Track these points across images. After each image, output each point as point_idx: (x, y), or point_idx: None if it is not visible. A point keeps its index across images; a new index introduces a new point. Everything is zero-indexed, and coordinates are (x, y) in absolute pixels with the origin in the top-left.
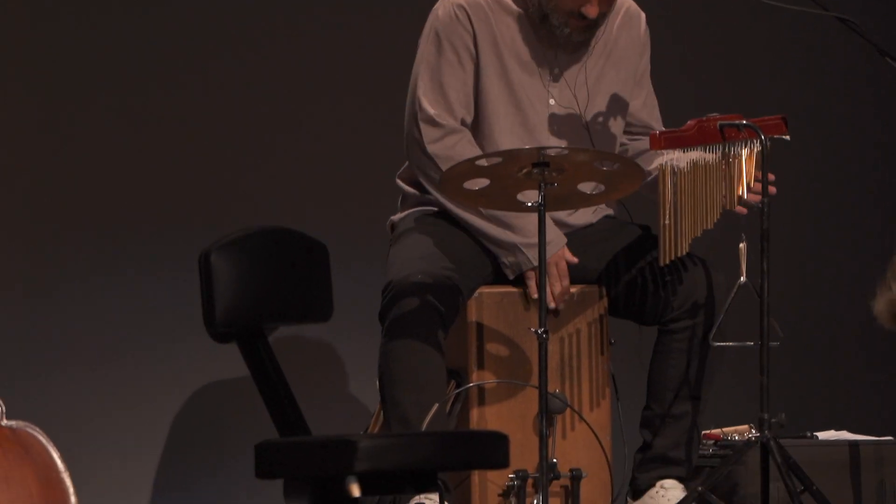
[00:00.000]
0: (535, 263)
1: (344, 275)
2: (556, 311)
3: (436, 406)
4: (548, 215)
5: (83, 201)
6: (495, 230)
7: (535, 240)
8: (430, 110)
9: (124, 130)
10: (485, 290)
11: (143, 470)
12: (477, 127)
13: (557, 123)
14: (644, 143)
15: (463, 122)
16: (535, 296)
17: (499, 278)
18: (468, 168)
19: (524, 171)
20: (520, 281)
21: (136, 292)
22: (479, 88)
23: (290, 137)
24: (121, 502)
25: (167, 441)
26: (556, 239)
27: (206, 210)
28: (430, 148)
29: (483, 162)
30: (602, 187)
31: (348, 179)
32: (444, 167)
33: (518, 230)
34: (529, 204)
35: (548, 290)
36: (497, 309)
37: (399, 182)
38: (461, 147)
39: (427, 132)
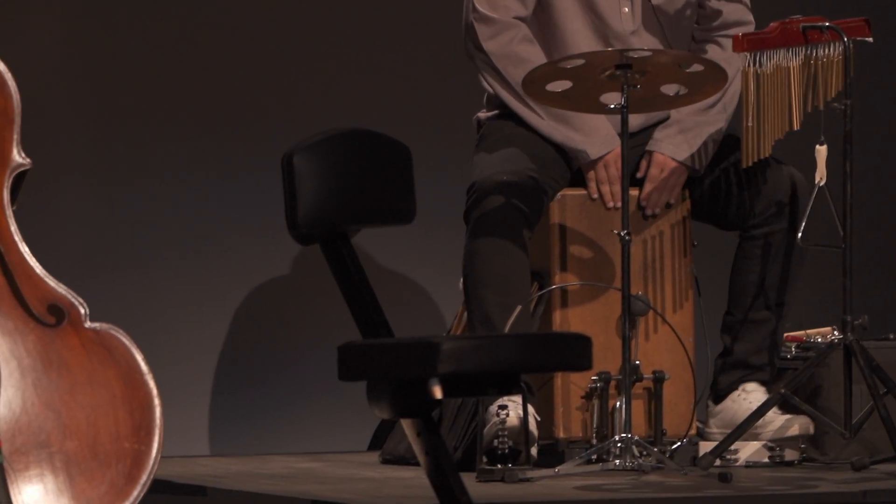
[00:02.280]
0: (587, 160)
1: (427, 176)
2: (646, 215)
3: (519, 308)
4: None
5: (163, 99)
6: (548, 126)
7: (584, 137)
8: (483, 7)
9: (208, 29)
10: (568, 192)
11: (222, 369)
12: (546, 24)
13: (631, 21)
14: (716, 51)
15: (518, 17)
16: (594, 195)
17: (580, 180)
18: (550, 70)
19: (606, 73)
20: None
21: (217, 193)
22: None
23: (373, 36)
24: (200, 405)
25: (245, 338)
26: (606, 139)
27: (288, 112)
28: (486, 45)
29: (565, 64)
30: (685, 90)
31: (432, 78)
32: (500, 64)
33: (573, 126)
34: (612, 106)
35: (606, 189)
36: (580, 211)
37: (483, 82)
38: (517, 44)
39: (481, 30)
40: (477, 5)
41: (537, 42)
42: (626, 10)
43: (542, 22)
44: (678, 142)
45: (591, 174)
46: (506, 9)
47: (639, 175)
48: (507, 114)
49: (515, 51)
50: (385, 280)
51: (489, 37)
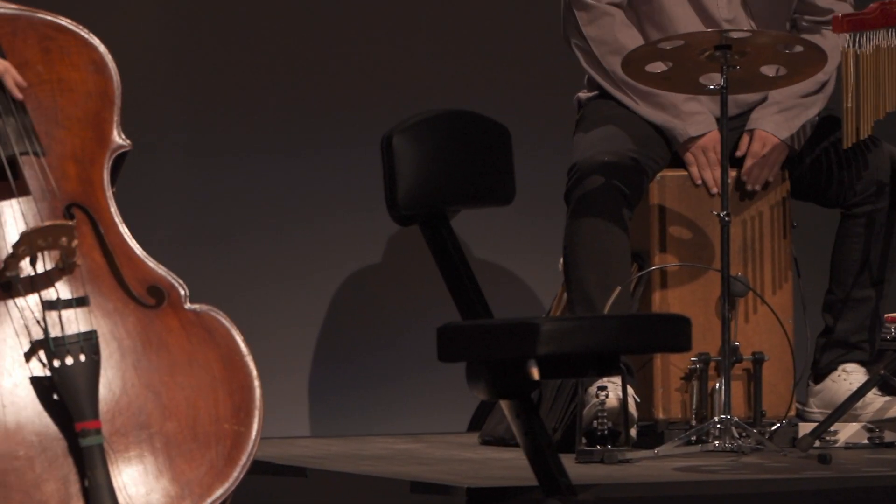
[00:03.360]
0: (685, 138)
1: (526, 156)
2: (747, 194)
3: (618, 289)
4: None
5: (261, 78)
6: (644, 109)
7: (682, 118)
8: None
9: (304, 7)
10: (667, 172)
11: (321, 349)
12: (646, 12)
13: (727, 9)
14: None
15: (614, 4)
16: (698, 181)
17: (680, 161)
18: (650, 51)
19: (706, 53)
20: None
21: (317, 173)
22: None
23: (472, 16)
24: (299, 386)
25: (354, 319)
26: (704, 120)
27: (388, 92)
28: (586, 30)
29: (665, 45)
30: (784, 70)
31: (532, 58)
32: (598, 50)
33: (666, 108)
34: (712, 87)
35: (708, 174)
36: (679, 192)
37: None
38: (616, 29)
39: (580, 16)
40: None
41: (637, 30)
42: None
43: (643, 10)
44: (778, 120)
45: (691, 158)
46: None
47: (738, 154)
48: (607, 94)
49: (615, 36)
50: (484, 261)
51: (588, 22)
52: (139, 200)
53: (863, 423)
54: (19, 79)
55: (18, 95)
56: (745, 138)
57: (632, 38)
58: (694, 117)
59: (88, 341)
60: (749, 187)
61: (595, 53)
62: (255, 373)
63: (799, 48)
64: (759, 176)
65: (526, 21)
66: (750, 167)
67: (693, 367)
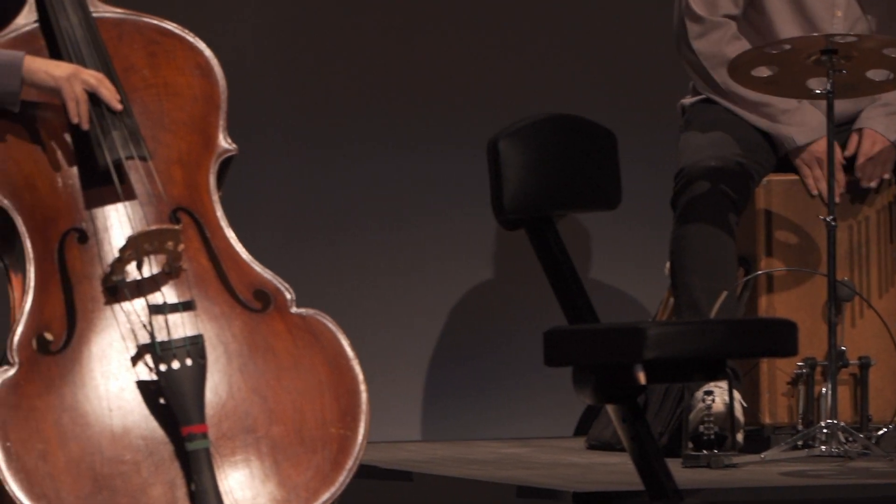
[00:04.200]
0: (794, 146)
1: (633, 161)
2: (859, 196)
3: (725, 293)
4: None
5: (367, 83)
6: (750, 116)
7: (793, 125)
8: (696, 5)
9: (410, 12)
10: (773, 177)
11: (433, 352)
12: (758, 25)
13: (843, 25)
14: None
15: (729, 15)
16: (814, 192)
17: (785, 166)
18: (756, 56)
19: (812, 58)
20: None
21: (423, 178)
22: None
23: (578, 21)
24: (405, 390)
25: (459, 323)
26: (814, 127)
27: (493, 97)
28: (695, 44)
29: (771, 49)
30: (892, 75)
31: (637, 63)
32: (707, 63)
33: (774, 116)
34: (818, 91)
35: (824, 186)
36: (785, 196)
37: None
38: (725, 43)
39: (691, 28)
40: (690, 2)
41: (748, 42)
42: (840, 13)
43: (754, 22)
44: (887, 123)
45: (806, 170)
46: (717, 7)
47: (847, 153)
48: (712, 99)
49: (724, 51)
50: (590, 265)
51: (698, 35)
52: (245, 204)
53: None
54: (114, 90)
55: (117, 107)
56: (854, 137)
57: (740, 51)
58: (805, 124)
59: (195, 345)
60: (864, 184)
61: (705, 66)
62: (361, 376)
63: None
64: (874, 172)
65: (632, 25)
66: (863, 164)
67: (799, 371)
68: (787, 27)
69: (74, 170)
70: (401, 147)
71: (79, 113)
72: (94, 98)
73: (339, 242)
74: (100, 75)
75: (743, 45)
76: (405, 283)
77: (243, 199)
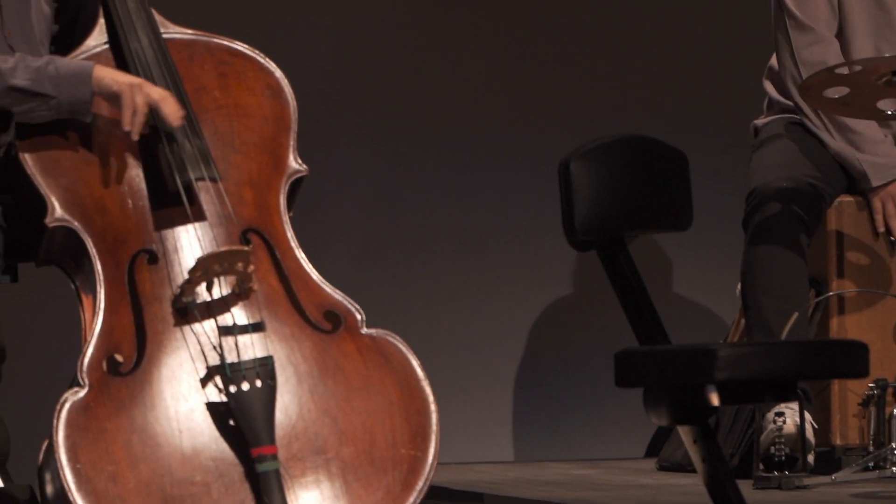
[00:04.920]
0: (873, 184)
1: (703, 182)
2: None
3: (796, 314)
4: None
5: (438, 102)
6: (835, 143)
7: (877, 159)
8: (800, 14)
9: (482, 32)
10: (844, 198)
11: (503, 373)
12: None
13: None
14: None
15: (829, 29)
16: (881, 228)
17: (857, 187)
18: (827, 76)
19: (884, 79)
20: None
21: (492, 199)
22: None
23: (649, 42)
24: (476, 411)
25: (530, 344)
26: (890, 167)
27: (564, 118)
28: (801, 54)
29: (842, 70)
30: None
31: (709, 84)
32: (806, 74)
33: (860, 145)
34: (889, 112)
35: (894, 224)
36: (857, 218)
37: (766, 85)
38: (829, 57)
39: (797, 38)
40: (794, 10)
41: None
42: None
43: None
44: None
45: (878, 206)
46: (820, 20)
47: None
48: (784, 119)
49: (826, 63)
50: (661, 286)
51: (804, 45)
52: (316, 224)
53: None
54: (177, 107)
55: (174, 124)
56: None
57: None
58: (882, 161)
59: (265, 367)
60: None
61: (803, 77)
62: (431, 397)
63: None
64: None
65: (704, 46)
66: None
67: (870, 392)
68: (863, 49)
69: (144, 191)
70: (474, 167)
71: (132, 123)
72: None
73: (411, 263)
74: (165, 92)
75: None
76: (476, 303)
77: (314, 219)
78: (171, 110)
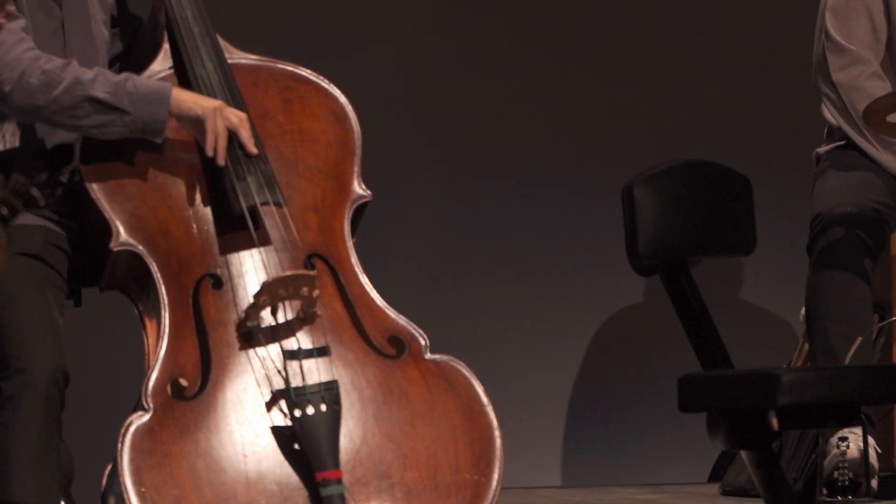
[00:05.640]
0: None
1: (766, 208)
2: None
3: (860, 339)
4: None
5: (498, 129)
6: (889, 160)
7: None
8: (838, 36)
9: (542, 62)
10: None
11: (567, 399)
12: (888, 54)
13: None
14: None
15: (871, 52)
16: None
17: None
18: (892, 101)
19: None
20: None
21: (555, 224)
22: (890, 7)
23: (715, 69)
24: (541, 433)
25: (592, 370)
26: None
27: (630, 141)
28: (835, 76)
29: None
30: None
31: (771, 111)
32: (846, 96)
33: None
34: None
35: None
36: None
37: (825, 113)
38: (865, 78)
39: (832, 60)
40: (832, 33)
41: (889, 82)
42: None
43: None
44: None
45: None
46: (860, 41)
47: None
48: (847, 145)
49: (863, 84)
50: (725, 311)
51: (839, 67)
52: (381, 249)
53: None
54: (251, 133)
55: (253, 150)
56: None
57: (880, 89)
58: None
59: (329, 391)
60: None
61: (843, 100)
62: (495, 423)
63: None
64: None
65: (767, 71)
66: None
67: None
68: None
69: (209, 215)
70: (537, 193)
71: (216, 148)
72: (232, 143)
73: (475, 288)
74: (243, 115)
75: (884, 84)
76: (538, 330)
77: (379, 244)
78: (248, 136)
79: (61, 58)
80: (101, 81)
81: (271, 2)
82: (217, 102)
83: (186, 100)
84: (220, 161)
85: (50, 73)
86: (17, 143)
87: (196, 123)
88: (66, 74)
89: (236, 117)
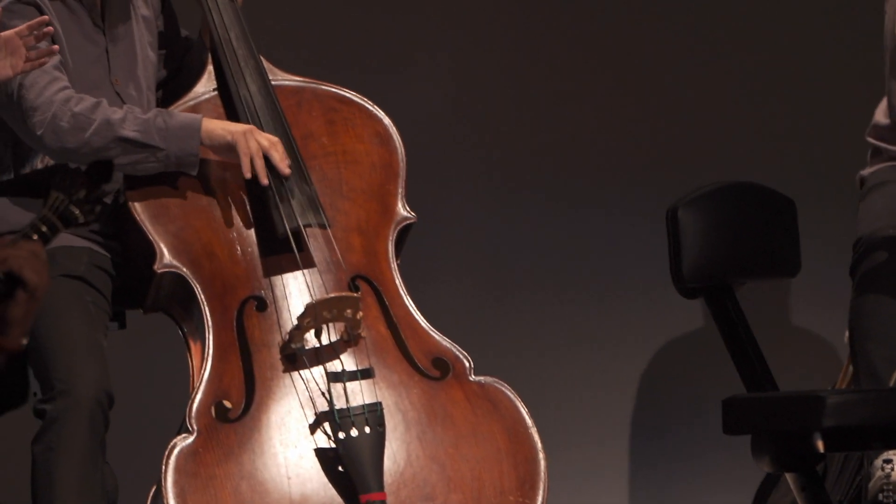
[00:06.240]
0: None
1: (811, 230)
2: None
3: None
4: None
5: (547, 153)
6: None
7: None
8: None
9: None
10: None
11: (612, 422)
12: None
13: None
14: None
15: None
16: None
17: None
18: None
19: None
20: None
21: (600, 246)
22: None
23: (760, 90)
24: (584, 456)
25: (636, 392)
26: None
27: (674, 164)
28: (890, 100)
29: None
30: None
31: (815, 133)
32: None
33: None
34: None
35: None
36: None
37: (869, 137)
38: None
39: (890, 85)
40: None
41: None
42: None
43: None
44: None
45: None
46: None
47: None
48: (890, 167)
49: None
50: (769, 333)
51: None
52: (425, 271)
53: None
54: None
55: (286, 171)
56: None
57: None
58: None
59: (373, 413)
60: None
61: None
62: (539, 445)
63: None
64: None
65: (811, 94)
66: None
67: None
68: None
69: (253, 237)
70: (581, 214)
71: (254, 168)
72: (269, 164)
73: (519, 310)
74: (274, 139)
75: None
76: (584, 350)
77: (423, 265)
78: (279, 157)
79: (106, 83)
80: (131, 120)
81: (316, 17)
82: (246, 126)
83: (216, 128)
84: (264, 180)
85: (80, 116)
86: (54, 161)
87: (229, 149)
88: (96, 116)
89: (267, 140)
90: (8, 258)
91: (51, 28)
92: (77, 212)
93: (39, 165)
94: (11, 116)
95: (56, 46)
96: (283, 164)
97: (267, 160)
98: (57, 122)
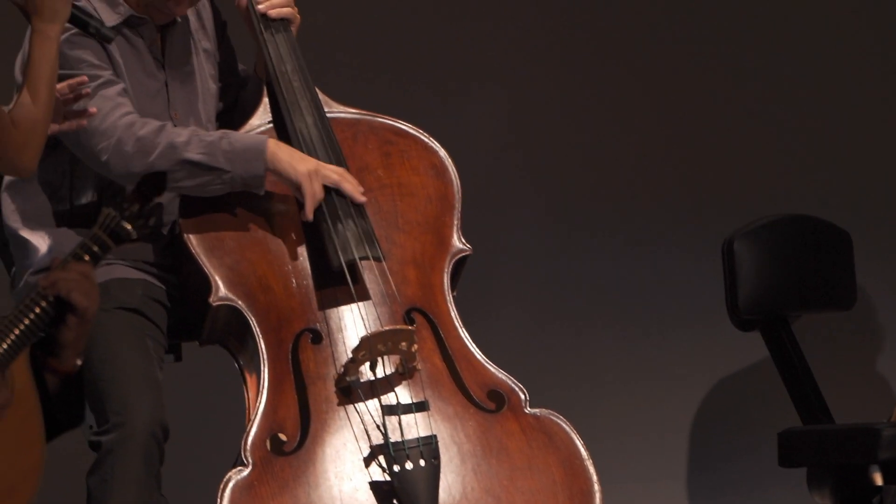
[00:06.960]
0: None
1: (866, 262)
2: None
3: None
4: None
5: (603, 185)
6: None
7: None
8: None
9: (653, 115)
10: None
11: (668, 454)
12: None
13: None
14: None
15: None
16: None
17: None
18: None
19: None
20: None
21: (654, 277)
22: None
23: (812, 122)
24: (642, 489)
25: (692, 426)
26: None
27: (729, 196)
28: None
29: None
30: None
31: (870, 165)
32: None
33: None
34: None
35: None
36: None
37: None
38: None
39: None
40: None
41: None
42: None
43: None
44: None
45: None
46: None
47: None
48: None
49: None
50: (825, 366)
51: None
52: (480, 304)
53: None
54: (356, 183)
55: (361, 199)
56: None
57: None
58: None
59: (428, 446)
60: None
61: None
62: (595, 477)
63: None
64: None
65: (869, 126)
66: None
67: None
68: None
69: (308, 269)
70: (637, 247)
71: (313, 210)
72: (330, 197)
73: (575, 342)
74: (341, 170)
75: None
76: (641, 384)
77: (479, 298)
78: (352, 187)
79: (165, 117)
80: (196, 143)
81: (371, 49)
82: (311, 165)
83: (282, 159)
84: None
85: (144, 140)
86: (121, 185)
87: (293, 187)
88: (160, 139)
89: (335, 174)
90: (57, 282)
91: (89, 90)
92: (129, 227)
93: (94, 197)
94: (76, 143)
95: (91, 109)
96: (357, 193)
97: (339, 193)
98: (122, 147)
